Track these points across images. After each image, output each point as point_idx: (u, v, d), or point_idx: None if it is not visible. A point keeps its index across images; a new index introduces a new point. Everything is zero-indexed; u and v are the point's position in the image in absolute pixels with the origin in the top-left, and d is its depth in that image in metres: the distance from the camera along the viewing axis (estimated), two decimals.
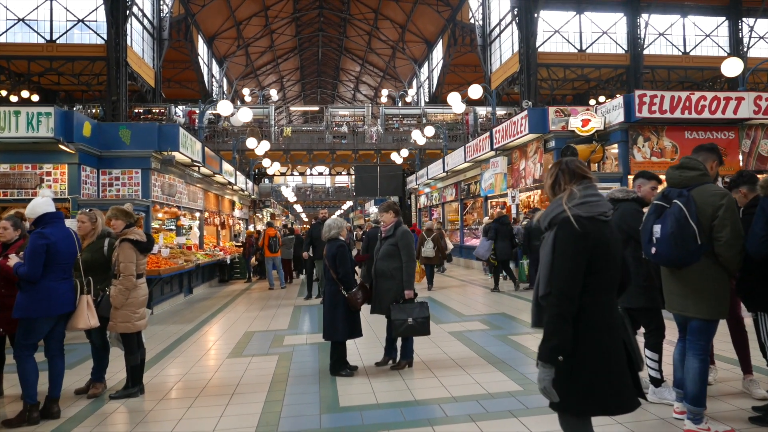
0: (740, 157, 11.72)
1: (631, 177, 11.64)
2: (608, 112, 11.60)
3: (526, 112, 12.54)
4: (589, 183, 2.52)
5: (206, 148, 14.24)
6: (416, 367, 5.67)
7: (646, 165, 11.34)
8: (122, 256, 4.90)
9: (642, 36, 29.60)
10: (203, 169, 14.13)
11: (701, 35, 31.10)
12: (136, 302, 4.95)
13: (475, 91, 14.23)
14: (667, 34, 30.77)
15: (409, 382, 5.13)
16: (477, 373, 5.35)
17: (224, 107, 12.92)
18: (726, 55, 30.98)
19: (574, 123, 11.83)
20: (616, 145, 11.62)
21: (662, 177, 3.64)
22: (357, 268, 7.76)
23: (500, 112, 30.83)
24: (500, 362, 5.74)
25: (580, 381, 2.37)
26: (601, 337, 2.38)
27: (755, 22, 30.83)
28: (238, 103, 32.94)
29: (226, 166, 17.50)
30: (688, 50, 30.98)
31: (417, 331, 5.40)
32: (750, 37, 31.09)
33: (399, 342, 5.71)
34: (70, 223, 5.40)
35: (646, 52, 29.80)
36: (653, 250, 3.67)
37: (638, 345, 2.64)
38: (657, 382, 4.27)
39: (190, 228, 14.44)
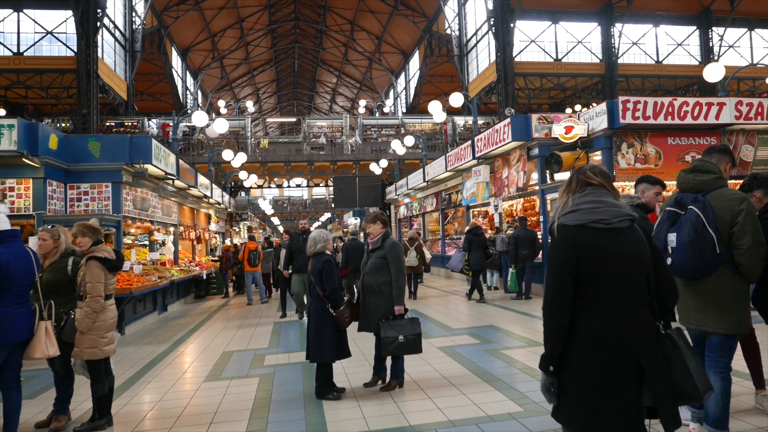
0: None
1: (616, 183, 11.52)
2: (591, 118, 11.49)
3: (508, 120, 12.37)
4: (593, 189, 2.41)
5: (181, 161, 13.78)
6: (407, 387, 5.33)
7: (630, 171, 11.23)
8: (89, 275, 4.49)
9: (616, 45, 29.95)
10: (178, 182, 13.66)
11: (673, 44, 31.60)
12: (104, 326, 4.54)
13: (456, 99, 14.07)
14: (641, 44, 31.18)
15: (401, 404, 4.79)
16: (473, 392, 5.03)
17: (199, 118, 12.50)
18: (698, 63, 31.55)
19: (558, 130, 11.68)
20: (599, 152, 11.49)
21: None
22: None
23: (479, 121, 30.86)
24: (496, 380, 5.43)
25: (568, 394, 2.31)
26: (588, 353, 2.26)
27: (725, 31, 31.43)
28: (214, 115, 32.38)
29: (202, 179, 17.02)
30: (660, 59, 31.43)
31: (408, 349, 5.07)
32: (720, 46, 31.68)
33: (389, 360, 5.37)
34: (35, 242, 4.98)
35: (620, 61, 30.15)
36: (669, 260, 3.40)
37: (687, 374, 2.35)
38: None
39: (164, 243, 13.92)
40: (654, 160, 11.33)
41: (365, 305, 5.23)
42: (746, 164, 11.86)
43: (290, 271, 10.18)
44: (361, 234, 35.63)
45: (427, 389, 5.21)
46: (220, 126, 13.31)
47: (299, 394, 5.27)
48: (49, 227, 4.78)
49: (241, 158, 19.00)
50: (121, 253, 4.84)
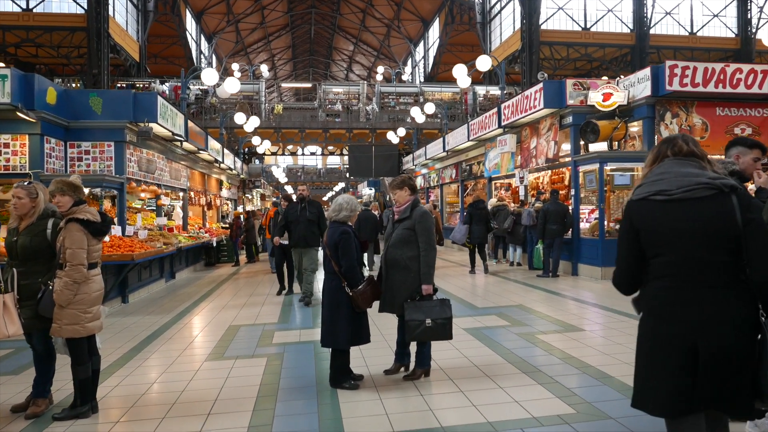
0: None
1: None
2: (632, 85, 10.57)
3: (540, 85, 11.47)
4: (672, 159, 2.30)
5: (190, 122, 13.08)
6: (434, 376, 4.67)
7: None
8: (69, 240, 3.84)
9: (648, 15, 28.50)
10: (186, 145, 12.99)
11: (709, 15, 30.02)
12: (87, 299, 3.90)
13: (483, 62, 13.14)
14: (674, 13, 29.67)
15: (429, 398, 4.13)
16: (511, 386, 4.36)
17: (209, 76, 11.75)
18: (734, 36, 30.02)
19: (595, 97, 10.78)
20: (640, 122, 10.60)
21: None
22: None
23: (498, 91, 29.73)
24: (535, 371, 4.75)
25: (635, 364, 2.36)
26: (645, 324, 2.29)
27: (765, 3, 29.75)
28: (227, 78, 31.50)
29: (213, 143, 16.34)
30: (695, 30, 29.92)
31: (437, 335, 4.39)
32: (759, 18, 30.04)
33: (413, 346, 4.71)
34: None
35: (652, 31, 28.74)
36: None
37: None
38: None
39: (173, 208, 13.33)
40: (700, 131, 10.43)
41: (388, 283, 4.55)
42: None
43: (282, 241, 8.93)
44: (376, 204, 34.94)
45: (458, 380, 4.54)
46: (232, 86, 12.55)
47: (311, 381, 4.64)
48: (26, 183, 4.11)
49: (254, 122, 18.27)
50: (107, 216, 4.18)
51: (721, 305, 2.10)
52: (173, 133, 11.29)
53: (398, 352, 4.80)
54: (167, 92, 26.88)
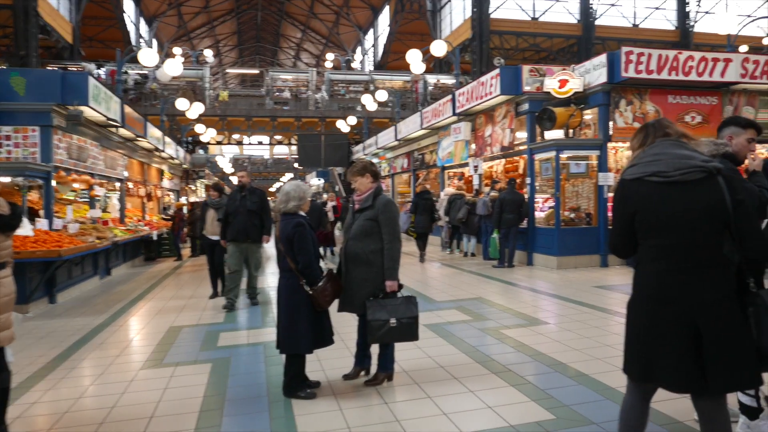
0: None
1: (612, 144, 10.60)
2: (588, 72, 10.45)
3: (497, 71, 11.21)
4: (662, 141, 2.34)
5: (128, 107, 12.17)
6: (398, 380, 4.28)
7: (628, 131, 10.30)
8: None
9: (594, 6, 28.94)
10: (123, 131, 12.08)
11: (651, 8, 30.76)
12: None
13: (439, 47, 12.77)
14: (618, 5, 30.24)
15: (394, 407, 3.73)
16: (482, 389, 4.01)
17: (147, 57, 10.88)
18: (674, 29, 30.91)
19: (551, 84, 10.61)
20: (596, 109, 10.50)
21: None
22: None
23: (449, 81, 29.61)
24: (505, 371, 4.43)
25: (629, 345, 2.39)
26: (644, 305, 2.29)
27: None
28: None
29: (153, 131, 15.38)
30: (638, 23, 30.61)
31: (402, 336, 3.99)
32: (696, 12, 31.02)
33: (374, 347, 4.29)
34: None
35: (597, 23, 29.21)
36: None
37: None
38: (753, 412, 3.05)
39: (109, 200, 12.42)
40: (653, 119, 10.39)
41: (348, 279, 4.11)
42: None
43: (211, 237, 8.10)
44: (325, 196, 34.24)
45: (424, 384, 4.16)
46: (172, 68, 11.71)
47: (261, 390, 4.16)
48: None
49: (198, 109, 17.36)
50: (18, 207, 3.55)
51: (714, 284, 2.18)
52: (107, 118, 10.41)
53: (358, 355, 4.38)
54: (104, 77, 25.36)
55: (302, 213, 4.08)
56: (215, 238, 7.95)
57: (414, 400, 3.84)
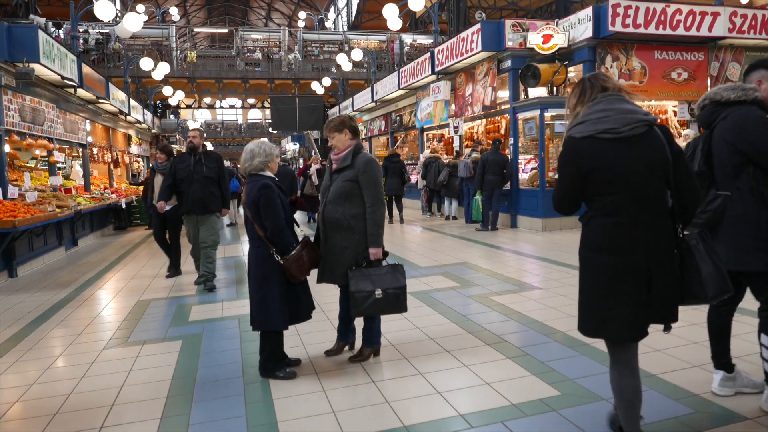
0: (708, 82, 10.62)
1: None
2: (573, 26, 10.02)
3: (478, 26, 10.70)
4: (605, 96, 2.30)
5: (87, 67, 11.38)
6: (385, 354, 3.96)
7: None
8: None
9: None
10: (82, 93, 11.33)
11: None
12: None
13: (416, 2, 12.15)
14: None
15: (383, 386, 3.41)
16: (477, 363, 3.71)
17: (103, 10, 10.08)
18: None
19: (534, 39, 10.17)
20: (581, 66, 10.11)
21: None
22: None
23: (426, 41, 28.85)
24: (500, 341, 4.14)
25: (579, 300, 2.42)
26: (602, 259, 2.29)
27: None
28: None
29: (117, 93, 14.57)
30: None
31: (389, 308, 3.65)
32: None
33: (358, 320, 3.95)
34: None
35: None
36: None
37: (707, 273, 2.31)
38: None
39: (71, 166, 11.75)
40: (639, 76, 10.10)
41: (328, 247, 3.73)
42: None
43: (168, 207, 6.77)
44: (301, 161, 33.42)
45: (414, 359, 3.85)
46: (133, 22, 10.90)
47: (236, 370, 3.80)
48: None
49: (164, 69, 16.50)
50: None
51: (662, 231, 2.28)
52: (63, 77, 9.68)
53: (341, 329, 4.04)
54: (63, 37, 24.02)
55: (270, 174, 3.65)
56: (169, 207, 6.84)
57: (404, 378, 3.52)
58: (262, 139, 3.85)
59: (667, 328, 2.38)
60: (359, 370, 3.68)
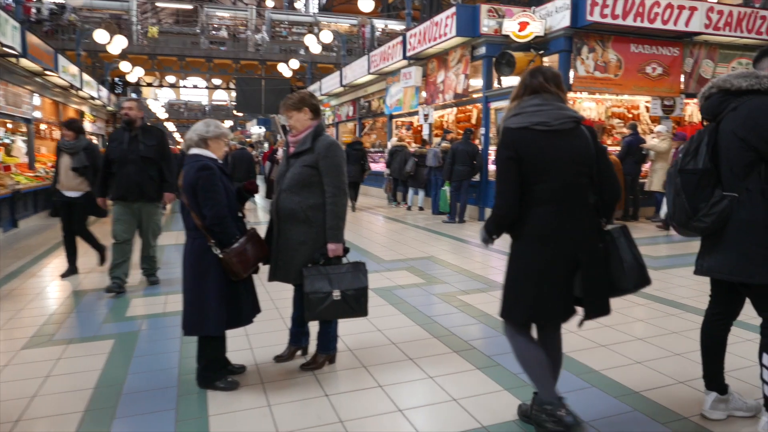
0: (682, 78, 10.48)
1: (573, 94, 10.02)
2: (549, 15, 9.69)
3: (453, 10, 10.29)
4: (542, 94, 2.44)
5: (32, 35, 10.55)
6: (342, 361, 3.55)
7: (588, 80, 9.73)
8: None
9: None
10: (26, 63, 10.50)
11: None
12: None
13: None
14: None
15: (337, 401, 3.00)
16: (443, 374, 3.33)
17: None
18: None
19: (510, 26, 9.82)
20: (556, 55, 9.81)
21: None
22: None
23: (398, 27, 28.33)
24: (469, 348, 3.77)
25: (507, 286, 2.52)
26: (533, 247, 2.41)
27: None
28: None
29: (67, 65, 13.67)
30: None
31: (348, 312, 3.24)
32: None
33: (314, 323, 3.52)
34: None
35: None
36: None
37: (630, 261, 2.44)
38: None
39: (12, 142, 10.92)
40: (614, 69, 9.87)
41: (281, 241, 3.28)
42: (705, 81, 10.73)
43: (73, 194, 5.95)
44: (266, 145, 32.53)
45: (374, 368, 3.45)
46: None
47: (171, 377, 3.33)
48: None
49: (121, 43, 15.61)
50: None
51: (587, 220, 2.43)
52: (2, 45, 8.89)
53: (294, 332, 3.61)
54: (13, 5, 22.62)
55: (210, 154, 3.17)
56: (71, 194, 5.93)
57: (362, 391, 3.12)
58: (209, 119, 3.34)
59: (585, 320, 2.47)
60: (311, 381, 3.26)
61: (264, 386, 3.19)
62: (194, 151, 3.12)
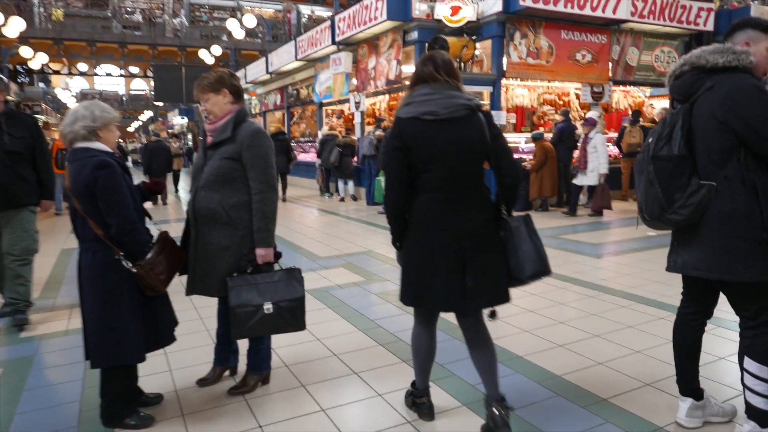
0: (609, 65, 10.60)
1: (506, 81, 9.90)
2: None
3: None
4: (434, 83, 2.38)
5: None
6: (277, 381, 3.11)
7: (521, 67, 9.65)
8: None
9: None
10: None
11: None
12: None
13: None
14: None
15: (274, 430, 2.57)
16: (393, 390, 2.97)
17: None
18: None
19: (442, 11, 9.55)
20: (489, 41, 9.65)
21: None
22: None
23: (325, 14, 27.65)
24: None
25: (403, 272, 2.49)
26: (418, 234, 2.41)
27: None
28: None
29: None
30: None
31: (282, 326, 2.81)
32: None
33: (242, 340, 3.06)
34: None
35: None
36: None
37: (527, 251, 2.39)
38: (764, 417, 2.28)
39: None
40: (546, 55, 9.83)
41: (199, 248, 2.80)
42: (631, 68, 10.96)
43: None
44: (190, 136, 31.10)
45: (314, 387, 3.03)
46: None
47: (71, 414, 2.78)
48: None
49: (18, 26, 14.16)
50: None
51: (478, 209, 2.39)
52: None
53: (219, 350, 3.13)
54: None
55: (104, 147, 2.62)
56: None
57: (302, 418, 2.70)
58: (93, 101, 2.74)
59: (493, 315, 2.46)
60: (242, 409, 2.80)
61: (185, 419, 2.70)
62: (81, 144, 2.56)
